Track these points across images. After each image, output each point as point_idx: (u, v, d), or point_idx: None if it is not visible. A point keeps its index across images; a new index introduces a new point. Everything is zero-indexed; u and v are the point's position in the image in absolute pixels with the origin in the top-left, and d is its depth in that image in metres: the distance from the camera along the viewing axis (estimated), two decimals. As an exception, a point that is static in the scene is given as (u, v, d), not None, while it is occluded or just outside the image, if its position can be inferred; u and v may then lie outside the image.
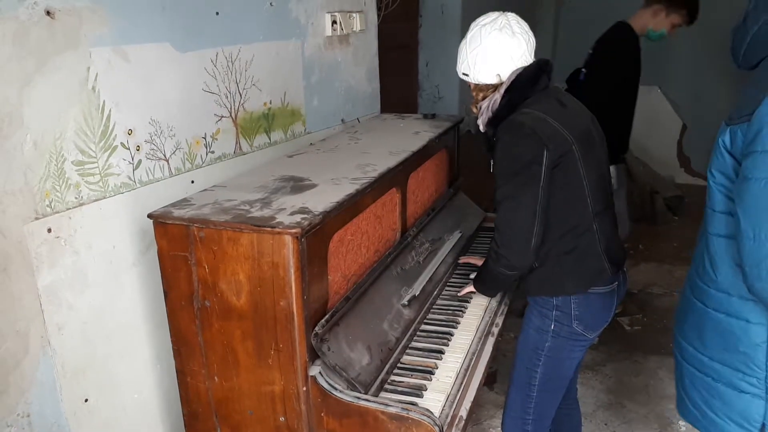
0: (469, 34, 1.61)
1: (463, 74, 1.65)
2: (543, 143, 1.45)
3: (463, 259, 2.08)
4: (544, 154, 1.44)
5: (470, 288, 1.87)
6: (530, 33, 1.60)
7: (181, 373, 1.46)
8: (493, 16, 1.59)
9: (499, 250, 1.55)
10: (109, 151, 1.52)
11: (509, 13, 1.61)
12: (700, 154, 5.44)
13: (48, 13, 1.34)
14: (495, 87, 1.59)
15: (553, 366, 1.67)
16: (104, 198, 1.52)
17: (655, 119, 5.51)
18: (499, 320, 1.91)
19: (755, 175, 1.10)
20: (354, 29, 2.53)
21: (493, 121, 1.57)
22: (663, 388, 2.72)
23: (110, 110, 1.51)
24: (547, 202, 1.49)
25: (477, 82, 1.62)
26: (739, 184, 1.15)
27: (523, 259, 1.53)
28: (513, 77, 1.56)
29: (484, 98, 1.62)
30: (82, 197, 1.46)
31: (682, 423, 2.49)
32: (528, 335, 1.69)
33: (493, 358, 1.81)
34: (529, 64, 1.58)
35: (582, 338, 1.63)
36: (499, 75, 1.57)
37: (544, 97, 1.55)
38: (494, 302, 1.96)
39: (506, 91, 1.56)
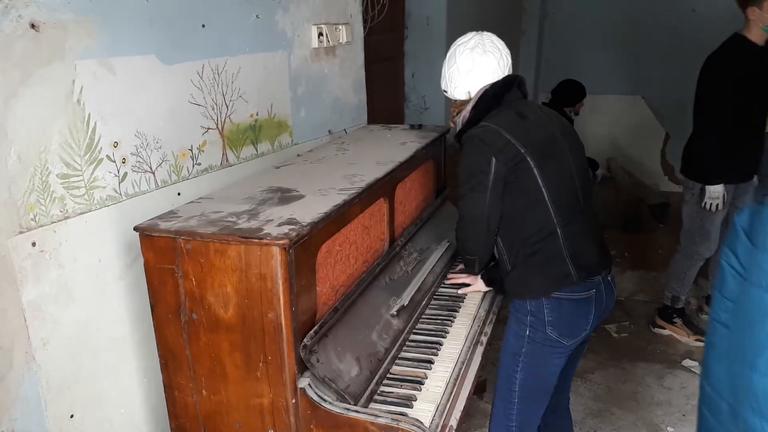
0: (448, 54, 1.77)
1: (444, 91, 1.80)
2: (492, 154, 1.58)
3: (450, 280, 2.10)
4: (492, 163, 1.58)
5: (464, 278, 2.04)
6: (503, 51, 1.74)
7: (169, 387, 1.45)
8: (469, 36, 1.75)
9: (457, 234, 1.77)
10: (94, 164, 1.51)
11: (485, 33, 1.76)
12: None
13: (33, 26, 1.34)
14: (467, 102, 1.74)
15: (531, 372, 1.68)
16: (90, 211, 1.50)
17: (639, 128, 5.59)
18: (488, 329, 1.91)
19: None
20: (340, 41, 2.55)
21: (459, 134, 1.72)
22: (651, 395, 2.73)
23: (96, 123, 1.50)
24: (500, 204, 1.63)
25: (454, 98, 1.78)
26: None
27: (476, 246, 1.72)
28: (480, 93, 1.71)
29: (458, 113, 1.77)
30: (67, 210, 1.44)
31: (670, 429, 2.51)
32: (507, 341, 1.71)
33: (482, 367, 1.81)
34: (497, 80, 1.70)
35: (557, 344, 1.64)
36: (469, 92, 1.73)
37: (505, 110, 1.68)
38: (482, 311, 1.96)
39: (473, 106, 1.71)
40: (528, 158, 1.58)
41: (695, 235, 3.03)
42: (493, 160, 1.58)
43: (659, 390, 2.78)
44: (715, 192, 2.86)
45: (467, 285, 2.03)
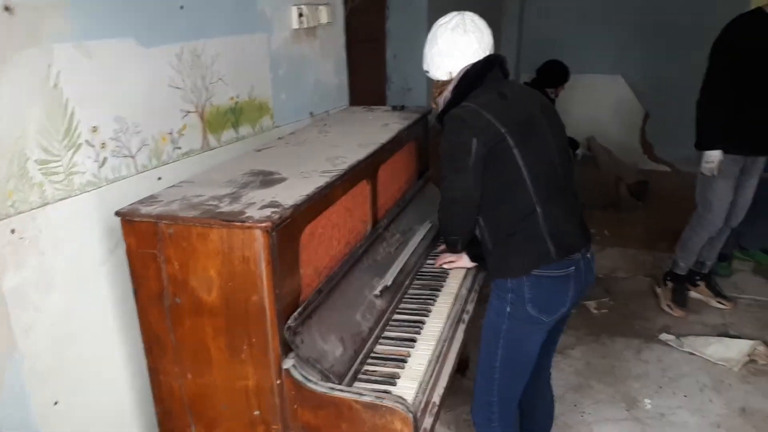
0: (429, 34, 1.77)
1: (426, 72, 1.81)
2: (472, 134, 1.59)
3: (438, 263, 2.12)
4: (472, 143, 1.59)
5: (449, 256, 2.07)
6: (485, 30, 1.74)
7: (154, 372, 1.46)
8: (450, 16, 1.74)
9: (439, 214, 1.79)
10: (73, 149, 1.49)
11: (466, 12, 1.75)
12: (662, 141, 5.58)
13: (6, 8, 1.31)
14: (449, 83, 1.74)
15: (511, 348, 1.71)
16: (69, 197, 1.49)
17: (619, 107, 5.63)
18: (470, 307, 1.95)
19: None
20: (321, 22, 2.53)
21: (441, 114, 1.73)
22: (629, 369, 2.80)
23: (74, 107, 1.48)
24: (481, 184, 1.64)
25: (435, 79, 1.78)
26: None
27: (458, 226, 1.76)
28: (462, 74, 1.71)
29: (440, 94, 1.77)
30: (46, 197, 1.43)
31: (647, 401, 2.58)
32: (489, 319, 1.74)
33: (465, 345, 1.85)
34: (479, 60, 1.71)
35: (537, 321, 1.67)
36: (450, 72, 1.74)
37: (487, 90, 1.68)
38: (464, 289, 1.99)
39: (455, 86, 1.72)
40: (508, 138, 1.59)
41: (699, 204, 3.12)
42: (474, 140, 1.59)
43: (637, 363, 2.85)
44: (710, 156, 2.91)
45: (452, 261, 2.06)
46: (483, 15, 1.78)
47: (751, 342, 2.90)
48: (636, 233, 4.30)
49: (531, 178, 1.61)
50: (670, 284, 3.35)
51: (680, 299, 3.30)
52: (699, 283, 3.35)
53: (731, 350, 2.87)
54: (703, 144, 2.94)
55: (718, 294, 3.33)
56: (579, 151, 4.80)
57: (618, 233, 4.30)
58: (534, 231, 1.63)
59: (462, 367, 2.71)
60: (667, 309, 3.29)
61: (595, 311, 3.30)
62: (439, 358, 1.64)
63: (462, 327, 1.85)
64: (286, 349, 1.37)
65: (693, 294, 3.36)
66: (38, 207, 1.41)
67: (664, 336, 3.03)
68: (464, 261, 2.01)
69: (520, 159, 1.60)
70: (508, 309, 1.68)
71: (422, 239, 2.14)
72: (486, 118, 1.60)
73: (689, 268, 3.30)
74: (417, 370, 1.57)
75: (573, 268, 1.67)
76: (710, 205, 3.05)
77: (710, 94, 2.90)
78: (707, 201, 3.06)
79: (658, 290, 3.40)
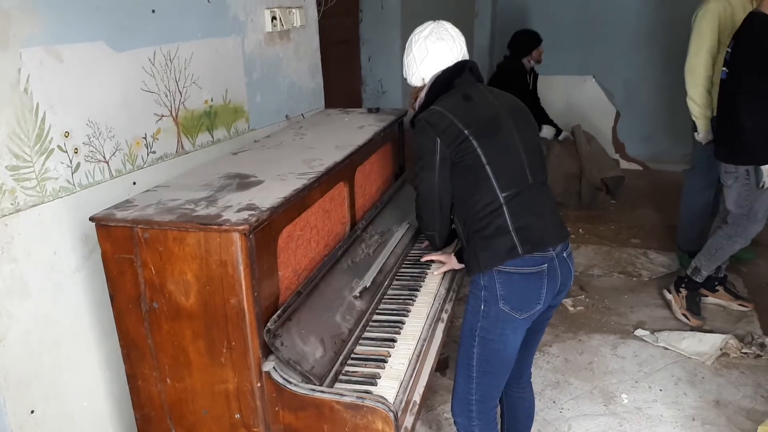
0: (407, 43, 1.86)
1: (404, 78, 1.89)
2: (435, 134, 1.67)
3: (425, 257, 2.13)
4: (436, 142, 1.67)
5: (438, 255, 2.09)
6: (456, 38, 1.83)
7: (132, 378, 1.44)
8: (425, 25, 1.84)
9: (416, 211, 1.86)
10: (45, 154, 1.47)
11: (441, 22, 1.84)
12: (633, 140, 5.68)
13: (-28, 13, 1.29)
14: (423, 88, 1.83)
15: (487, 346, 1.73)
16: (42, 203, 1.47)
17: (592, 107, 5.72)
18: (448, 306, 1.96)
19: None
20: (294, 25, 2.53)
21: (413, 118, 1.80)
22: (606, 365, 2.85)
23: (45, 112, 1.46)
24: (450, 182, 1.72)
25: (412, 85, 1.87)
26: None
27: (431, 222, 1.82)
28: (433, 79, 1.80)
29: (416, 99, 1.85)
30: (18, 203, 1.41)
31: (624, 396, 2.62)
32: (466, 317, 1.77)
33: (444, 344, 1.86)
34: (448, 66, 1.79)
35: (510, 318, 1.69)
36: (423, 78, 1.83)
37: (454, 93, 1.76)
38: (443, 289, 2.01)
39: (427, 91, 1.80)
40: (471, 138, 1.66)
41: (743, 217, 2.93)
42: (438, 140, 1.67)
43: (613, 359, 2.89)
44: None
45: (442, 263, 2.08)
46: (455, 19, 1.86)
47: (723, 336, 2.96)
48: (610, 231, 4.37)
49: (495, 176, 1.67)
50: (684, 291, 3.20)
51: (695, 307, 3.19)
52: (717, 288, 3.27)
53: (704, 344, 2.93)
54: (761, 158, 2.74)
55: (737, 297, 3.26)
56: (562, 135, 4.82)
57: (592, 231, 4.36)
58: (499, 226, 1.67)
59: (442, 366, 2.73)
60: (683, 319, 3.16)
61: (571, 308, 3.35)
62: (419, 358, 1.65)
63: (441, 326, 1.87)
64: (266, 351, 1.37)
65: (712, 300, 3.28)
66: (10, 214, 1.39)
67: (639, 332, 3.08)
68: (453, 263, 2.03)
69: (483, 157, 1.66)
70: (482, 307, 1.71)
71: (400, 240, 2.15)
72: (449, 119, 1.67)
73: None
74: (398, 369, 1.57)
75: (545, 264, 1.70)
76: (757, 216, 2.90)
77: (757, 107, 2.70)
78: (755, 212, 2.90)
79: (669, 297, 3.27)
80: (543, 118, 4.77)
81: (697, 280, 3.17)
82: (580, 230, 4.37)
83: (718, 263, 3.13)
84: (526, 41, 4.47)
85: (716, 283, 3.30)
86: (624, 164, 5.70)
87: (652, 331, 3.07)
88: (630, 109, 5.60)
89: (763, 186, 2.79)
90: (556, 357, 2.92)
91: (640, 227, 4.39)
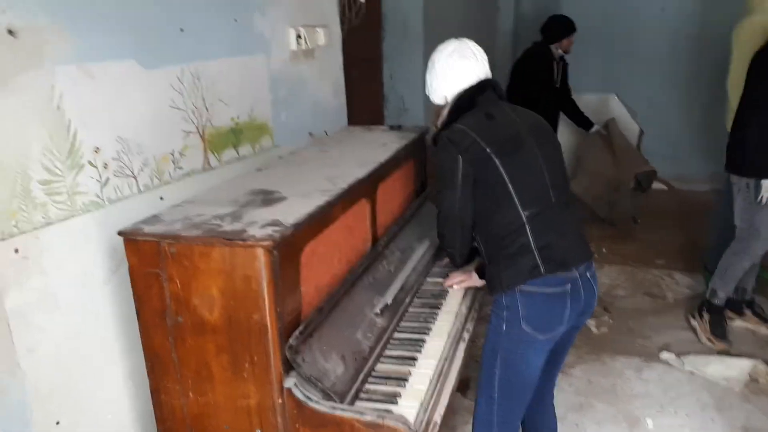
0: (429, 61, 1.86)
1: (426, 95, 1.90)
2: (457, 152, 1.67)
3: (446, 284, 2.12)
4: (459, 161, 1.67)
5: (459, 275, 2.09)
6: (479, 56, 1.83)
7: (156, 391, 1.45)
8: (448, 43, 1.84)
9: (437, 228, 1.84)
10: (76, 169, 1.51)
11: (464, 40, 1.85)
12: (658, 159, 5.61)
13: (10, 32, 1.34)
14: (446, 106, 1.83)
15: (509, 368, 1.71)
16: (72, 217, 1.50)
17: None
18: (470, 326, 1.94)
19: None
20: (318, 43, 2.56)
21: (435, 136, 1.80)
22: (630, 388, 2.79)
23: (76, 128, 1.50)
24: (471, 200, 1.72)
25: (434, 103, 1.87)
26: None
27: (452, 240, 1.81)
28: (456, 97, 1.80)
29: (438, 117, 1.86)
30: (49, 217, 1.44)
31: (649, 420, 2.56)
32: (487, 337, 1.75)
33: (465, 364, 1.84)
34: (471, 85, 1.79)
35: (534, 340, 1.67)
36: (446, 96, 1.83)
37: (475, 112, 1.77)
38: (464, 308, 1.99)
39: (450, 109, 1.81)
40: (493, 156, 1.66)
41: (745, 232, 2.94)
42: (460, 158, 1.67)
43: (638, 382, 2.84)
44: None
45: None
46: (477, 36, 1.86)
47: (751, 361, 2.89)
48: (634, 251, 4.31)
49: (517, 194, 1.66)
50: (706, 316, 3.15)
51: (719, 331, 3.12)
52: (746, 311, 3.20)
53: (732, 369, 2.86)
54: (762, 172, 2.76)
55: (766, 321, 3.19)
56: (594, 128, 4.66)
57: (616, 251, 4.30)
58: (522, 245, 1.66)
59: (462, 386, 2.70)
60: (708, 343, 3.10)
61: (595, 330, 3.30)
62: (440, 378, 1.64)
63: (462, 346, 1.85)
64: (288, 367, 1.37)
65: (740, 323, 3.21)
66: (41, 227, 1.42)
67: (664, 355, 3.02)
68: (474, 279, 2.02)
69: (505, 175, 1.66)
70: (504, 327, 1.69)
71: (422, 257, 2.15)
72: (471, 137, 1.67)
73: (729, 297, 3.14)
74: (418, 389, 1.56)
75: (569, 285, 1.68)
76: (758, 232, 2.91)
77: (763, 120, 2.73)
78: (754, 229, 2.89)
79: (694, 322, 3.22)
80: (573, 110, 4.58)
81: (716, 302, 3.12)
82: (604, 250, 4.32)
83: (732, 283, 3.08)
84: (558, 26, 4.22)
85: (744, 306, 3.23)
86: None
87: (678, 355, 3.00)
88: (654, 127, 5.54)
89: (761, 201, 2.80)
90: (579, 379, 2.87)
91: (664, 247, 4.32)
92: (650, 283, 3.82)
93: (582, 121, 4.63)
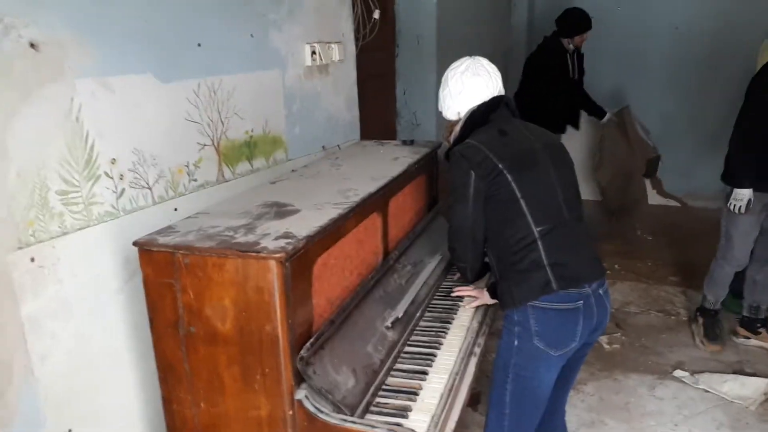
0: (443, 78, 1.88)
1: (439, 111, 1.92)
2: (470, 168, 1.69)
3: (456, 292, 2.12)
4: (471, 176, 1.69)
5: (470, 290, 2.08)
6: (492, 73, 1.85)
7: (167, 401, 1.46)
8: (461, 61, 1.86)
9: (449, 243, 1.85)
10: (92, 180, 1.53)
11: (477, 57, 1.87)
12: (670, 176, 5.58)
13: (32, 45, 1.37)
14: (458, 122, 1.85)
15: (520, 383, 1.70)
16: (88, 227, 1.52)
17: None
18: (481, 340, 1.94)
19: None
20: (333, 59, 2.59)
21: (448, 151, 1.82)
22: (643, 406, 2.76)
23: (94, 140, 1.53)
24: (483, 215, 1.72)
25: (447, 119, 1.89)
26: None
27: (464, 255, 1.81)
28: (469, 114, 1.82)
29: (451, 133, 1.88)
30: (65, 226, 1.46)
31: (662, 439, 2.53)
32: (499, 352, 1.74)
33: (477, 378, 1.83)
34: (484, 101, 1.80)
35: (545, 355, 1.66)
36: (459, 112, 1.85)
37: (489, 128, 1.78)
38: (476, 323, 1.99)
39: (462, 125, 1.82)
40: (505, 172, 1.67)
41: (722, 238, 3.12)
42: (472, 173, 1.68)
43: (651, 400, 2.80)
44: (740, 194, 2.91)
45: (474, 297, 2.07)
46: (490, 54, 1.87)
47: (767, 380, 2.85)
48: (647, 267, 4.28)
49: (530, 210, 1.66)
50: (701, 319, 3.29)
51: (712, 334, 3.21)
52: (760, 330, 3.22)
53: (747, 388, 2.81)
54: (735, 181, 2.93)
55: (712, 340, 3.22)
56: (606, 118, 4.58)
57: (629, 267, 4.27)
58: (534, 261, 1.66)
59: (473, 401, 2.68)
60: (700, 345, 3.21)
61: (607, 346, 3.27)
62: (451, 392, 1.63)
63: (474, 360, 1.84)
64: (299, 379, 1.37)
65: (755, 342, 3.22)
66: (58, 236, 1.44)
67: (678, 373, 2.98)
68: (485, 298, 2.01)
69: (517, 191, 1.67)
70: (516, 342, 1.69)
71: (433, 271, 2.15)
72: (484, 153, 1.68)
73: (749, 311, 3.22)
74: (429, 403, 1.56)
75: (581, 302, 1.67)
76: (732, 240, 3.05)
77: (746, 132, 2.89)
78: (730, 236, 3.06)
79: (693, 327, 3.35)
80: (585, 99, 4.51)
81: (707, 306, 3.27)
82: (616, 266, 4.29)
83: (718, 287, 3.22)
84: (573, 21, 4.12)
85: (758, 325, 3.21)
86: (661, 200, 5.59)
87: (692, 373, 2.96)
88: (667, 144, 5.51)
89: (731, 207, 2.96)
90: (591, 396, 2.84)
91: (678, 264, 4.29)
92: (664, 300, 3.78)
93: (595, 110, 4.58)
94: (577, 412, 2.70)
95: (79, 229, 1.50)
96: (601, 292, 1.73)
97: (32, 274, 1.38)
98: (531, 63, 4.41)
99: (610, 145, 4.60)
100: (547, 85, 4.20)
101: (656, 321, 3.54)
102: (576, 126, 4.58)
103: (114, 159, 1.59)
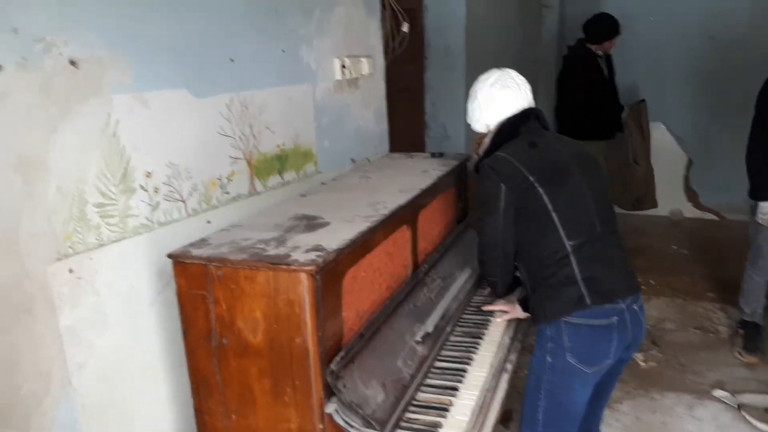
0: (471, 90, 1.88)
1: (468, 124, 1.92)
2: (500, 180, 1.66)
3: (487, 307, 2.10)
4: (501, 189, 1.67)
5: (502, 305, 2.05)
6: (522, 85, 1.83)
7: (199, 412, 1.47)
8: (490, 73, 1.85)
9: (477, 257, 1.85)
10: (128, 193, 1.56)
11: (506, 70, 1.85)
12: (708, 189, 5.45)
13: (72, 62, 1.41)
14: (487, 134, 1.84)
15: (553, 400, 1.67)
16: (124, 239, 1.55)
17: (661, 155, 5.55)
18: (513, 356, 1.91)
19: None
20: (362, 73, 2.61)
21: (477, 163, 1.81)
22: (681, 426, 2.67)
23: (130, 154, 1.56)
24: (513, 228, 1.70)
25: (476, 131, 1.88)
26: None
27: (494, 269, 1.80)
28: (499, 126, 1.80)
29: (479, 145, 1.87)
30: (102, 238, 1.49)
31: (702, 461, 2.44)
32: (531, 368, 1.72)
33: (508, 395, 1.80)
34: (514, 114, 1.79)
35: (579, 372, 1.63)
36: (488, 125, 1.83)
37: (519, 141, 1.76)
38: (507, 338, 1.96)
39: (492, 137, 1.81)
40: (536, 185, 1.64)
41: (751, 248, 3.12)
42: (502, 186, 1.67)
43: (689, 421, 2.71)
44: (765, 207, 2.92)
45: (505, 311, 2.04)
46: (519, 65, 1.87)
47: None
48: (683, 283, 4.17)
49: (562, 223, 1.64)
50: (741, 331, 3.28)
51: (750, 346, 3.19)
52: (740, 331, 3.27)
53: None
54: (759, 194, 2.94)
55: (750, 351, 3.19)
56: (624, 112, 4.52)
57: (664, 282, 4.17)
58: (567, 276, 1.63)
59: (505, 418, 2.63)
60: (737, 356, 3.20)
61: (643, 364, 3.18)
62: (482, 408, 1.61)
63: (505, 377, 1.81)
64: (329, 393, 1.37)
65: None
66: (95, 248, 1.47)
67: (718, 392, 2.89)
68: (517, 311, 1.99)
69: (549, 204, 1.64)
70: (549, 359, 1.66)
71: (463, 285, 2.13)
72: (514, 166, 1.67)
73: (755, 313, 3.24)
74: (460, 419, 1.54)
75: (616, 318, 1.64)
76: (761, 251, 3.05)
77: (764, 144, 2.90)
78: (759, 247, 3.06)
79: (733, 340, 3.34)
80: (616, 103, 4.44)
81: (745, 318, 3.26)
82: (652, 281, 4.19)
83: (752, 299, 3.21)
84: (602, 27, 4.06)
85: None
86: (697, 213, 5.47)
87: (733, 393, 2.86)
88: (703, 156, 5.40)
89: (758, 219, 2.98)
90: (627, 415, 2.76)
91: (716, 280, 4.17)
92: (701, 317, 3.68)
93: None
94: (612, 431, 2.63)
95: (115, 241, 1.53)
96: (635, 307, 1.70)
97: (70, 286, 1.41)
98: (565, 76, 4.37)
99: (627, 135, 4.55)
100: (587, 93, 4.15)
101: (694, 338, 3.44)
102: (621, 129, 4.50)
103: (149, 172, 1.62)
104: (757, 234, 3.05)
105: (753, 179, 2.97)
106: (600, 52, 4.17)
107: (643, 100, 4.72)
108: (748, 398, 2.80)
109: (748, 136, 2.99)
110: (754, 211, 3.00)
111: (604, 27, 4.10)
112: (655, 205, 4.81)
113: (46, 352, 1.36)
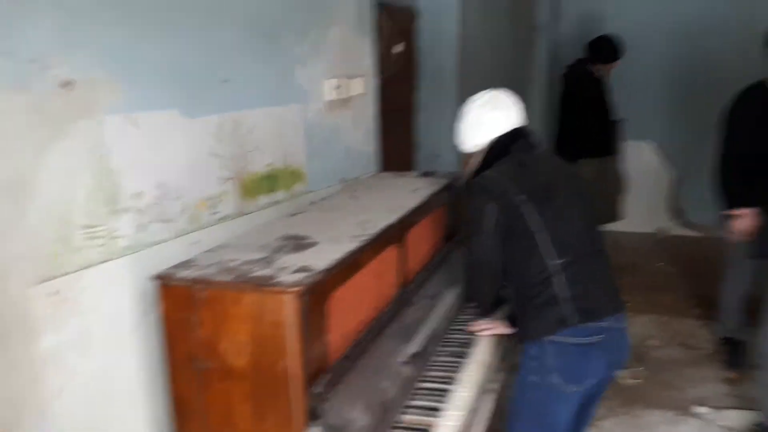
0: (461, 111, 1.90)
1: (457, 144, 1.94)
2: (490, 199, 1.70)
3: (470, 328, 2.11)
4: (490, 208, 1.72)
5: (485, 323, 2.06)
6: (512, 106, 1.86)
7: (181, 436, 1.47)
8: (482, 94, 1.87)
9: (465, 274, 1.90)
10: (116, 214, 1.56)
11: (498, 90, 1.88)
12: (693, 206, 5.51)
13: (65, 83, 1.42)
14: (477, 154, 1.87)
15: (537, 419, 1.68)
16: (110, 260, 1.55)
17: (648, 172, 5.61)
18: (498, 376, 1.92)
19: None
20: (354, 93, 2.63)
21: (467, 181, 1.85)
22: (665, 444, 2.69)
23: (119, 175, 1.56)
24: (501, 248, 1.73)
25: (464, 151, 1.91)
26: None
27: (480, 287, 1.84)
28: (489, 145, 1.83)
29: (467, 164, 1.91)
30: (89, 260, 1.49)
31: (685, 480, 2.46)
32: (515, 388, 1.73)
33: (494, 415, 1.82)
34: (504, 133, 1.81)
35: (563, 391, 1.65)
36: (477, 145, 1.86)
37: (508, 160, 1.79)
38: (492, 358, 1.97)
39: (482, 157, 1.84)
40: (525, 204, 1.68)
41: (725, 258, 3.24)
42: (491, 205, 1.70)
43: (673, 439, 2.73)
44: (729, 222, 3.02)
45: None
46: (512, 85, 1.89)
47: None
48: (668, 300, 4.21)
49: (549, 243, 1.67)
50: (726, 346, 3.35)
51: (733, 360, 3.25)
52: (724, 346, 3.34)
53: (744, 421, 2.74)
54: (721, 205, 3.07)
55: (732, 365, 3.27)
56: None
57: (649, 300, 4.20)
58: (551, 295, 1.65)
59: (490, 437, 2.64)
60: (719, 371, 3.27)
61: (627, 381, 3.20)
62: (466, 429, 1.62)
63: (490, 396, 1.83)
64: (313, 416, 1.37)
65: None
66: (81, 269, 1.47)
67: (700, 409, 2.91)
68: (500, 327, 2.01)
69: (537, 224, 1.67)
70: (533, 377, 1.68)
71: (450, 305, 2.14)
72: (503, 186, 1.70)
73: (735, 328, 3.30)
74: (443, 440, 1.55)
75: (600, 336, 1.66)
76: (731, 261, 3.19)
77: (728, 159, 3.04)
78: (728, 257, 3.21)
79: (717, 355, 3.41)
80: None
81: (727, 335, 3.34)
82: (638, 299, 4.22)
83: (729, 312, 3.29)
84: (606, 49, 4.17)
85: None
86: (684, 231, 5.52)
87: (716, 409, 2.89)
88: (692, 174, 5.46)
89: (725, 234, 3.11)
90: (611, 433, 2.78)
91: (701, 297, 4.21)
92: (686, 334, 3.71)
93: None
94: (596, 449, 2.65)
95: (102, 262, 1.53)
96: (620, 326, 1.72)
97: (55, 307, 1.41)
98: (569, 98, 4.39)
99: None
100: (594, 113, 4.23)
101: (678, 355, 3.47)
102: (616, 148, 4.63)
103: (138, 193, 1.63)
104: (727, 249, 3.19)
105: (727, 194, 3.06)
106: (601, 73, 4.27)
107: (623, 119, 4.82)
108: (730, 414, 2.83)
109: (720, 153, 3.10)
110: (723, 224, 3.11)
111: (609, 49, 4.23)
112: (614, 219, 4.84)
113: (19, 379, 1.34)
